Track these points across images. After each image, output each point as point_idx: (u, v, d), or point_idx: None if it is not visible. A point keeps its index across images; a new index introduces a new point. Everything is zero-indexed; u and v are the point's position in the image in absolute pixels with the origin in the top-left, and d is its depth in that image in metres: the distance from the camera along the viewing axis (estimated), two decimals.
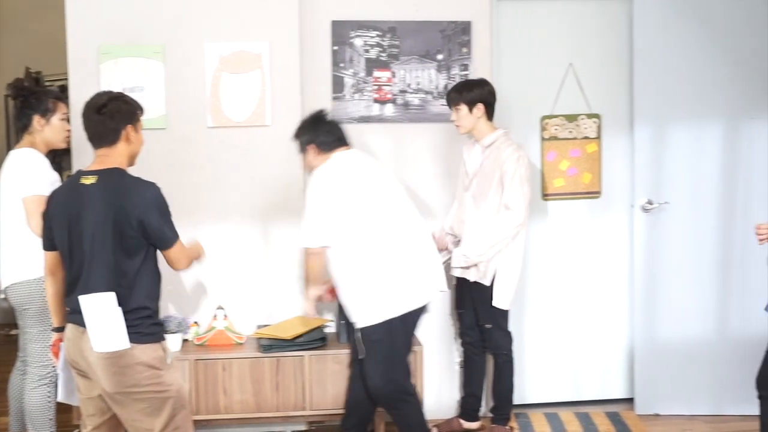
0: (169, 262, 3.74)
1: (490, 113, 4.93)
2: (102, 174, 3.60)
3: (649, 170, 5.40)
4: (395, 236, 4.36)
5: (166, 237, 3.64)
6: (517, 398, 5.59)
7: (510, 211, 4.80)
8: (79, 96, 5.04)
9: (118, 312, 3.52)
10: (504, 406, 5.15)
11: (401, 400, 4.42)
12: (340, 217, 4.29)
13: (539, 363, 5.64)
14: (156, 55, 5.06)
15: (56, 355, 3.83)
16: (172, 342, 4.83)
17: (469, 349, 5.21)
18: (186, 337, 4.99)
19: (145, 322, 3.60)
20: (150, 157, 5.01)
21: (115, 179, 3.60)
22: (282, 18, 5.14)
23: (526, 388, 5.64)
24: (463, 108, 4.88)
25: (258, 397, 4.81)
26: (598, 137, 5.56)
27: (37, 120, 4.58)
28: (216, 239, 5.14)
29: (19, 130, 4.69)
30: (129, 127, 3.69)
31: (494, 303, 4.93)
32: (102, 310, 3.52)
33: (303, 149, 4.58)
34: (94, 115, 3.65)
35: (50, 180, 4.44)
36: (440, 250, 4.94)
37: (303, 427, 5.13)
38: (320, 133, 4.53)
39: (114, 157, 3.66)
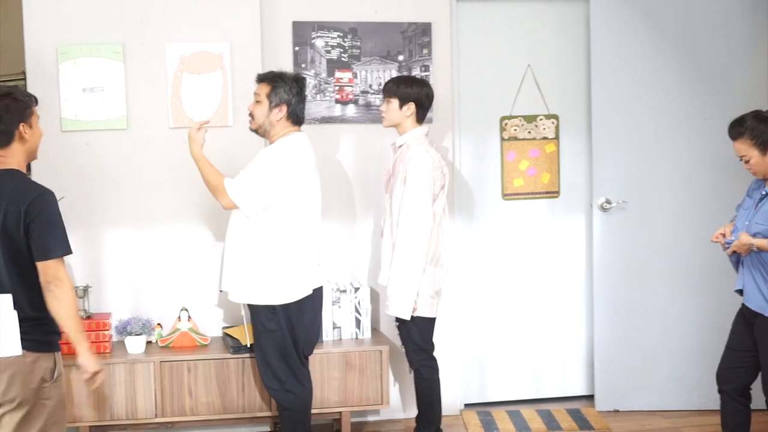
0: (41, 275, 3.39)
1: (420, 115, 4.78)
2: None
3: (606, 170, 5.48)
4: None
5: (47, 247, 3.37)
6: (479, 397, 5.64)
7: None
8: (37, 97, 4.97)
9: (14, 315, 3.36)
10: (424, 415, 4.90)
11: None
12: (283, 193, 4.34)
13: (500, 361, 5.67)
14: (116, 55, 5.00)
15: None
16: (136, 344, 4.79)
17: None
18: (150, 339, 4.93)
19: (40, 330, 3.43)
20: (111, 158, 5.03)
21: (8, 182, 3.42)
22: (243, 18, 5.12)
23: (488, 387, 5.67)
24: (395, 102, 4.75)
25: (224, 399, 4.77)
26: (557, 137, 5.62)
27: None
28: (177, 240, 5.11)
29: None
30: (22, 126, 3.47)
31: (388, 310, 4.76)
32: None
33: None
34: None
35: None
36: None
37: (269, 428, 5.10)
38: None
39: (9, 157, 3.46)
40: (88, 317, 4.84)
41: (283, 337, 4.39)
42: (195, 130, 4.45)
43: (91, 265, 5.04)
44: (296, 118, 4.47)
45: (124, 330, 4.83)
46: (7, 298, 3.36)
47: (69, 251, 3.45)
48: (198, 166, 4.44)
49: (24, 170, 3.53)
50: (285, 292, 4.36)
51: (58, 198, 4.40)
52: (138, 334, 4.81)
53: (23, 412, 3.40)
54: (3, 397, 3.38)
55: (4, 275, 3.38)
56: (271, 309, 4.37)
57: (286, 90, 4.42)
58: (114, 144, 5.03)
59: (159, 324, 4.98)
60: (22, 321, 3.38)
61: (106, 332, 4.79)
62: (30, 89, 4.97)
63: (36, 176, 4.96)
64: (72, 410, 4.65)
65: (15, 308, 3.37)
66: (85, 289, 4.88)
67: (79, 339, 3.46)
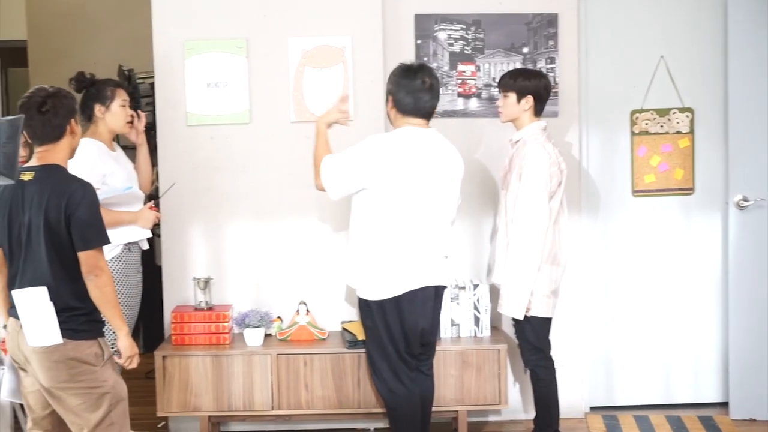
0: (82, 266, 3.56)
1: (539, 108, 4.65)
2: (40, 170, 3.57)
3: (744, 166, 5.21)
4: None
5: (87, 237, 3.54)
6: (606, 400, 5.46)
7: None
8: (164, 91, 5.11)
9: (50, 307, 3.50)
10: (541, 417, 4.76)
11: None
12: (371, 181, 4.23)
13: (629, 364, 5.46)
14: (239, 50, 5.06)
15: (5, 351, 3.84)
16: (254, 336, 4.82)
17: None
18: (268, 332, 4.97)
19: (78, 319, 3.57)
20: (233, 152, 5.08)
21: (51, 176, 3.56)
22: (365, 12, 5.10)
23: (615, 390, 5.47)
24: (512, 96, 4.62)
25: (340, 393, 4.77)
26: (691, 132, 5.38)
27: (98, 108, 4.60)
28: (298, 234, 5.13)
29: (84, 120, 4.73)
30: (72, 121, 3.66)
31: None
32: (34, 305, 3.50)
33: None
34: (36, 115, 3.57)
35: (99, 171, 4.44)
36: None
37: (386, 425, 5.06)
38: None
39: (56, 152, 3.62)
40: (209, 309, 4.91)
41: (378, 334, 4.32)
42: (339, 105, 4.51)
43: (213, 258, 5.12)
44: (403, 109, 4.31)
45: (243, 322, 4.88)
46: (42, 291, 3.52)
47: (107, 241, 3.63)
48: (316, 138, 4.45)
49: (67, 166, 3.66)
50: (375, 289, 4.28)
51: (168, 185, 4.49)
52: (256, 327, 4.84)
53: (82, 398, 3.58)
54: (56, 382, 3.57)
55: (46, 267, 3.53)
56: (366, 304, 4.32)
57: (390, 81, 4.36)
58: (237, 138, 5.09)
59: (279, 317, 5.01)
60: (62, 311, 3.54)
61: (226, 324, 4.85)
62: (158, 85, 5.14)
63: (162, 169, 5.10)
64: (192, 399, 4.74)
65: (56, 299, 3.53)
66: (207, 281, 4.94)
67: (118, 325, 3.67)
